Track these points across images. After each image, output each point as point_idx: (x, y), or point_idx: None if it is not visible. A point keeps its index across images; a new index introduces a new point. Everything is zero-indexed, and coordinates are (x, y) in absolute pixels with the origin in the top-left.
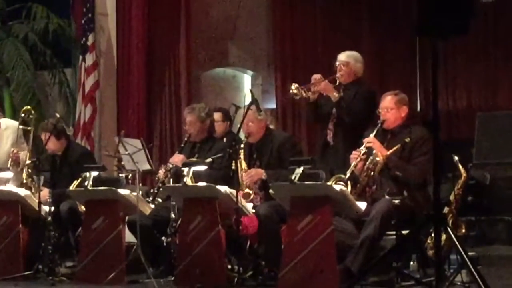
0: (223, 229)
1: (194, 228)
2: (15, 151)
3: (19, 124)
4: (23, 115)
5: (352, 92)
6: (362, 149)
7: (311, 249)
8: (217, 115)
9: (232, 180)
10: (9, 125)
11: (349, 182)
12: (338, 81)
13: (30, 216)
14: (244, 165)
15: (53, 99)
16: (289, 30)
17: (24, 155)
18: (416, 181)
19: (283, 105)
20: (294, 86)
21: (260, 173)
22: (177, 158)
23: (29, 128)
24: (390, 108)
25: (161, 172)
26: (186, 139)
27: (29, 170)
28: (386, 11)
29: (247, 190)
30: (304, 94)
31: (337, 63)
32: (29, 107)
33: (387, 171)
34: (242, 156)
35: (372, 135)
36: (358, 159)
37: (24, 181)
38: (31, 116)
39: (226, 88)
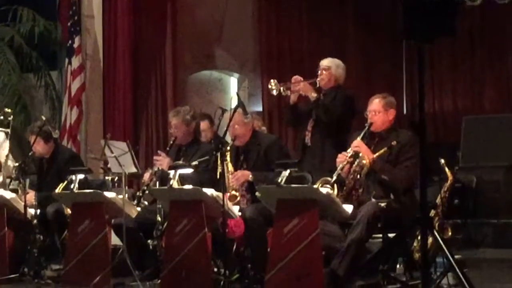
0: (209, 232)
1: (180, 231)
2: None
3: None
4: (1, 117)
5: (331, 96)
6: (349, 152)
7: (297, 252)
8: (204, 124)
9: (219, 183)
10: None
11: (335, 185)
12: (318, 85)
13: (16, 219)
14: (230, 167)
15: (39, 102)
16: (275, 34)
17: (3, 158)
18: (402, 185)
19: (270, 108)
20: (273, 81)
21: (246, 174)
22: (163, 161)
23: (7, 130)
24: (377, 111)
25: (147, 175)
26: (171, 141)
27: (15, 172)
28: (372, 15)
29: (233, 192)
30: (282, 91)
31: (319, 68)
32: (7, 109)
33: (374, 175)
34: (228, 158)
35: (359, 138)
36: (345, 162)
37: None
38: (9, 118)
39: (212, 91)
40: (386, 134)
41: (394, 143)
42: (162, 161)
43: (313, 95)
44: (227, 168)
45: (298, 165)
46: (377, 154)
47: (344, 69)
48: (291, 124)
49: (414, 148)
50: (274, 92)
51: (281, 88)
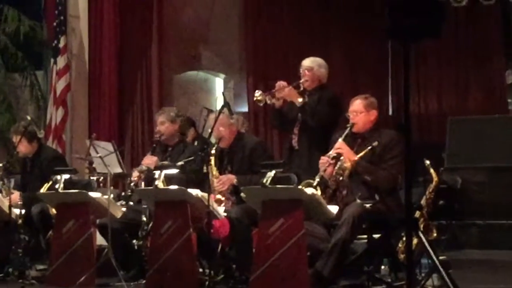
0: (195, 232)
1: (165, 232)
2: None
3: None
4: None
5: (316, 97)
6: (331, 154)
7: (282, 253)
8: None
9: (204, 183)
10: None
11: (318, 187)
12: (302, 87)
13: (0, 219)
14: (215, 171)
15: (24, 101)
16: (261, 34)
17: None
18: (385, 185)
19: (255, 109)
20: (258, 93)
21: (231, 178)
22: (149, 160)
23: None
24: (359, 111)
25: (135, 174)
26: (157, 138)
27: None
28: (357, 15)
29: (218, 196)
30: (268, 101)
31: (301, 69)
32: None
33: (357, 176)
34: (213, 161)
35: (341, 139)
36: (327, 164)
37: None
38: None
39: (198, 91)
40: (369, 135)
41: (375, 144)
42: (148, 159)
43: (299, 100)
44: (212, 171)
45: (284, 166)
46: (359, 155)
47: (326, 68)
48: (277, 128)
49: (397, 147)
50: (261, 103)
51: (266, 98)
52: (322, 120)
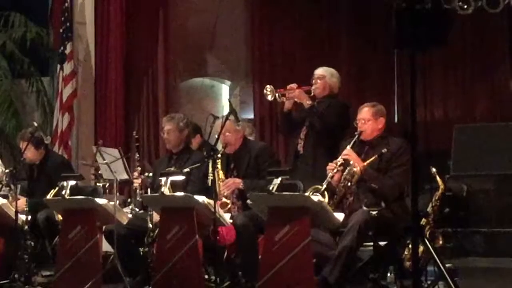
0: (201, 239)
1: (171, 238)
2: None
3: None
4: None
5: (325, 104)
6: (339, 160)
7: (288, 260)
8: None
9: (210, 190)
10: None
11: (326, 193)
12: (312, 93)
13: (6, 225)
14: (221, 175)
15: (31, 107)
16: (267, 41)
17: None
18: (392, 193)
19: (261, 115)
20: (269, 87)
21: (237, 182)
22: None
23: None
24: (367, 119)
25: (138, 181)
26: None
27: (6, 178)
28: (364, 23)
29: (224, 199)
30: (277, 97)
31: (314, 77)
32: None
33: (364, 183)
34: (219, 166)
35: (349, 147)
36: (335, 170)
37: None
38: None
39: (204, 98)
40: (376, 142)
41: (384, 151)
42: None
43: (307, 102)
44: (218, 175)
45: (290, 173)
46: (367, 162)
47: (338, 78)
48: (284, 133)
49: (404, 155)
50: (269, 98)
51: (277, 94)
52: (329, 124)
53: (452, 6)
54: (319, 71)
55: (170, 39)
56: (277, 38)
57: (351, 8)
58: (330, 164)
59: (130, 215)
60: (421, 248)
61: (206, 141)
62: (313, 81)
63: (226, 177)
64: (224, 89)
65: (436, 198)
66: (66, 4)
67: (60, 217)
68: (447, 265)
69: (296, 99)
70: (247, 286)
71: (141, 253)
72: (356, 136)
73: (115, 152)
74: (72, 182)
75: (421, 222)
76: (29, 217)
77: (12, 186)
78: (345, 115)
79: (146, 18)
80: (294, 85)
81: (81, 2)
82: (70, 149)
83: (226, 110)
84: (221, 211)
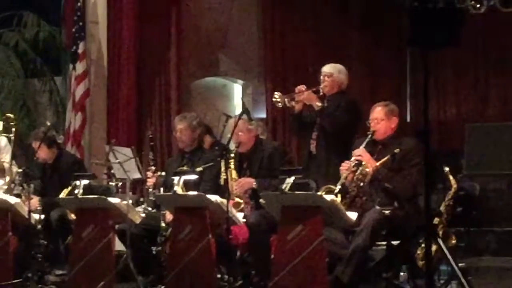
0: (213, 238)
1: (184, 237)
2: None
3: (1, 132)
4: (4, 122)
5: (335, 103)
6: (352, 160)
7: (301, 259)
8: (207, 138)
9: (223, 189)
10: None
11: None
12: (321, 92)
13: (20, 224)
14: (234, 174)
15: (43, 107)
16: (279, 40)
17: (8, 163)
18: (405, 193)
19: (274, 114)
20: (277, 94)
21: (250, 182)
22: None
23: (11, 135)
24: (380, 119)
25: (151, 180)
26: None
27: (19, 178)
28: (376, 22)
29: (237, 199)
30: (287, 103)
31: (321, 74)
32: (10, 114)
33: (377, 183)
34: (232, 165)
35: (362, 147)
36: (348, 171)
37: (11, 188)
38: (11, 124)
39: (217, 97)
40: (389, 142)
41: (397, 150)
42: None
43: (317, 104)
44: (231, 175)
45: (303, 172)
46: (380, 162)
47: (346, 74)
48: (297, 134)
49: (417, 155)
50: (279, 105)
51: (286, 100)
52: (340, 126)
53: (465, 5)
54: (327, 68)
55: (183, 39)
56: (289, 37)
57: (363, 7)
58: (343, 164)
59: (142, 215)
60: (434, 247)
61: (218, 141)
62: (321, 78)
63: (239, 177)
64: (237, 89)
65: (449, 197)
66: (79, 4)
67: (73, 216)
68: (460, 264)
69: (305, 102)
70: (260, 285)
71: (154, 252)
72: (369, 136)
73: (128, 151)
74: (85, 181)
75: (434, 221)
76: (42, 216)
77: (25, 186)
78: (355, 112)
79: (159, 17)
80: (302, 87)
81: (93, 2)
82: (83, 148)
83: (238, 109)
84: (233, 210)
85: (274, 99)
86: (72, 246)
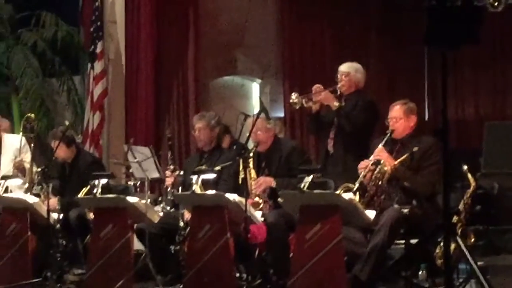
0: (232, 237)
1: (202, 236)
2: (17, 159)
3: (22, 132)
4: (25, 122)
5: (352, 102)
6: (371, 159)
7: (320, 258)
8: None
9: (241, 188)
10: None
11: (357, 192)
12: (339, 92)
13: (38, 224)
14: (253, 173)
15: (62, 106)
16: (297, 39)
17: (28, 163)
18: (424, 191)
19: (292, 113)
20: (294, 95)
21: (269, 181)
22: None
23: (32, 135)
24: (398, 117)
25: (169, 179)
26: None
27: (38, 177)
28: (394, 21)
29: (256, 199)
30: (304, 104)
31: (338, 74)
32: (31, 114)
33: (396, 181)
34: (251, 164)
35: (380, 145)
36: (367, 170)
37: (31, 188)
38: (32, 123)
39: (234, 96)
40: (408, 141)
41: (415, 149)
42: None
43: (335, 104)
44: (250, 174)
45: (322, 171)
46: (398, 160)
47: (363, 73)
48: (314, 133)
49: (436, 153)
50: (297, 106)
51: (303, 101)
52: (358, 125)
53: (483, 3)
54: (343, 67)
55: (200, 38)
56: (307, 36)
57: (381, 5)
58: (362, 162)
59: (161, 214)
60: (452, 246)
61: (236, 140)
62: (338, 77)
63: (258, 176)
64: (254, 88)
65: (468, 195)
66: (97, 3)
67: (91, 215)
68: (478, 263)
69: (323, 102)
70: (278, 284)
71: (173, 251)
72: (388, 135)
73: (146, 150)
74: (103, 181)
75: (453, 220)
76: (61, 216)
77: (44, 185)
78: (372, 112)
79: (176, 17)
80: (319, 87)
81: (111, 1)
82: (101, 147)
83: (256, 108)
84: (252, 209)
85: (291, 101)
86: (91, 246)
